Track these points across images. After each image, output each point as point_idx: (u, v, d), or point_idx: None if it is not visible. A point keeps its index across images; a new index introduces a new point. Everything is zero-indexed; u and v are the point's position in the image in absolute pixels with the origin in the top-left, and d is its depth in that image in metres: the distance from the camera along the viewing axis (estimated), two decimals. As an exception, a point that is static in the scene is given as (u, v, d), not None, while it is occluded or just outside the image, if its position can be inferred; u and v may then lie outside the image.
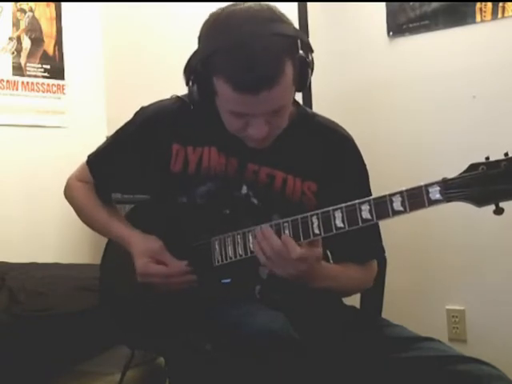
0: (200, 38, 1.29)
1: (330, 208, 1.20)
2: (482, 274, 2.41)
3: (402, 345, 1.29)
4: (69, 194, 1.62)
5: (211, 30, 1.25)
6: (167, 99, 1.50)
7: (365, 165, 1.47)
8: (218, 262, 1.35)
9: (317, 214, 1.21)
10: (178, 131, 1.43)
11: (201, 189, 1.41)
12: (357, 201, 1.18)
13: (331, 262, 1.44)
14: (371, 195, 1.41)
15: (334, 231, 1.20)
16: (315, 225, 1.21)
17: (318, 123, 1.45)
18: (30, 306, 1.93)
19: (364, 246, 1.40)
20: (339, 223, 1.19)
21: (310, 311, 1.38)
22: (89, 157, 1.59)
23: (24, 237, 2.85)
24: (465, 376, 1.17)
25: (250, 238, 1.29)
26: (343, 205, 1.19)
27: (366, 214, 1.16)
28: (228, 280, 1.35)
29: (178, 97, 1.47)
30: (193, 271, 1.37)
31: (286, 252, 1.21)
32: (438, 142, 2.46)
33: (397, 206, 1.13)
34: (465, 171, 1.09)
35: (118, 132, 1.55)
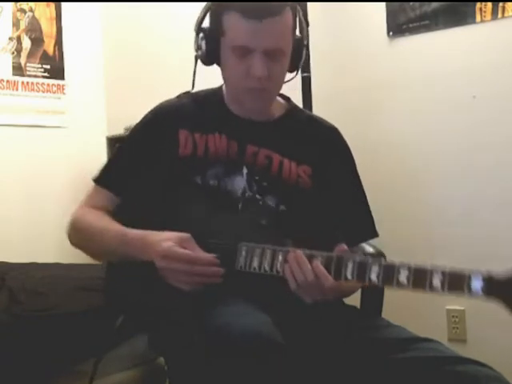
0: None
1: (369, 260, 1.19)
2: (482, 274, 2.40)
3: (401, 345, 1.29)
4: (77, 226, 1.51)
5: None
6: (175, 97, 1.56)
7: (351, 153, 1.56)
8: (241, 267, 1.30)
9: (353, 261, 1.20)
10: (184, 119, 1.49)
11: (211, 171, 1.44)
12: (398, 262, 1.16)
13: None
14: (359, 178, 1.53)
15: (366, 281, 1.18)
16: (349, 270, 1.20)
17: (308, 116, 1.61)
18: (30, 306, 1.92)
19: (358, 228, 1.46)
20: (374, 278, 1.17)
21: (309, 311, 1.38)
22: (97, 179, 1.51)
23: (24, 237, 2.84)
24: (462, 377, 1.18)
25: (280, 257, 1.26)
26: (383, 261, 1.18)
27: (402, 279, 1.15)
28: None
29: (181, 93, 1.55)
30: (220, 265, 1.30)
31: (319, 283, 1.20)
32: (438, 142, 2.46)
33: (436, 283, 1.12)
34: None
35: (124, 143, 1.56)
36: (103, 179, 1.51)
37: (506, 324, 2.37)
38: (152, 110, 1.55)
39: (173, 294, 1.36)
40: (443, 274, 1.11)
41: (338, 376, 1.29)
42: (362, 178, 1.54)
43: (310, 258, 1.22)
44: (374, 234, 1.53)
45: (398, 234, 2.32)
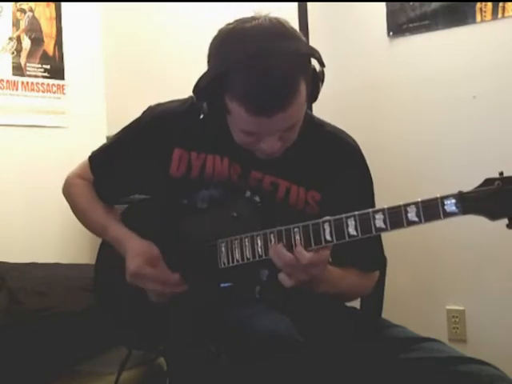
0: (210, 57, 1.27)
1: (343, 215, 1.18)
2: (482, 274, 2.41)
3: (403, 346, 1.29)
4: (67, 191, 1.60)
5: (222, 49, 1.23)
6: (176, 101, 1.48)
7: (370, 176, 1.47)
8: (224, 264, 1.33)
9: (329, 221, 1.20)
10: (182, 136, 1.41)
11: (202, 192, 1.40)
12: (370, 209, 1.17)
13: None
14: (373, 202, 1.41)
15: (347, 238, 1.18)
16: (327, 231, 1.20)
17: (325, 132, 1.45)
18: (30, 306, 1.93)
19: (366, 254, 1.39)
20: (352, 231, 1.17)
21: (309, 312, 1.38)
22: (92, 153, 1.58)
23: (24, 237, 2.84)
24: (466, 377, 1.17)
25: (259, 241, 1.27)
26: (356, 213, 1.17)
27: (379, 223, 1.15)
28: (227, 284, 1.35)
29: (191, 97, 1.42)
30: (185, 282, 1.35)
31: (296, 261, 1.20)
32: (438, 142, 2.46)
33: (411, 216, 1.13)
34: (480, 185, 1.10)
35: (123, 130, 1.54)
36: (93, 159, 1.56)
37: (506, 324, 2.38)
38: (151, 115, 1.47)
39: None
40: (416, 206, 1.12)
41: (342, 377, 1.29)
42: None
43: (288, 234, 1.23)
44: (381, 265, 1.51)
45: (398, 234, 2.31)
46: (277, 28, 1.21)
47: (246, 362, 1.14)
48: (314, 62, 1.28)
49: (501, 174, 1.09)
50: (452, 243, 2.45)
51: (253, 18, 1.23)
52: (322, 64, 1.27)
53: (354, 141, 1.46)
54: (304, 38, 1.27)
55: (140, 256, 1.38)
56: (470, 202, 1.09)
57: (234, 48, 1.20)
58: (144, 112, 1.51)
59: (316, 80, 1.27)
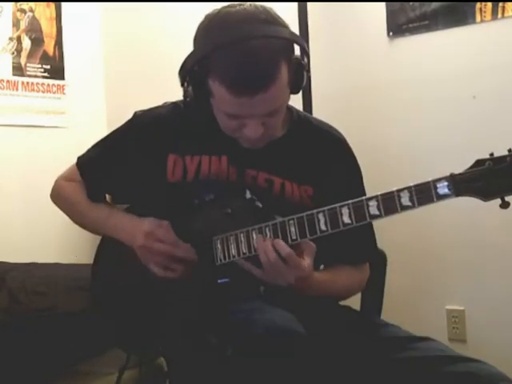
0: (195, 40, 1.29)
1: (337, 205, 1.20)
2: (482, 274, 2.41)
3: (400, 344, 1.29)
4: (57, 194, 1.60)
5: (206, 32, 1.26)
6: (161, 106, 1.49)
7: (358, 166, 1.48)
8: (221, 260, 1.34)
9: (323, 211, 1.21)
10: (175, 141, 1.42)
11: (205, 196, 1.40)
12: (364, 197, 1.18)
13: (321, 267, 1.45)
14: (365, 195, 1.43)
15: (342, 227, 1.20)
16: (322, 221, 1.21)
17: (312, 126, 1.47)
18: (30, 306, 1.93)
19: (358, 248, 1.41)
20: (346, 219, 1.19)
21: (312, 311, 1.38)
22: (79, 159, 1.57)
23: (24, 237, 2.84)
24: (466, 376, 1.17)
25: (254, 235, 1.28)
26: (350, 201, 1.19)
27: (373, 210, 1.17)
28: (225, 279, 1.34)
29: (172, 103, 1.47)
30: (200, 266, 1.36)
31: (277, 255, 1.21)
32: (438, 143, 2.46)
33: (405, 201, 1.14)
34: (472, 166, 1.11)
35: (110, 136, 1.54)
36: (83, 166, 1.56)
37: (506, 324, 2.38)
38: (141, 122, 1.47)
39: (162, 298, 1.38)
40: (409, 190, 1.14)
41: (338, 376, 1.29)
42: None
43: (283, 226, 1.24)
44: (374, 256, 1.51)
45: (398, 234, 2.32)
46: (260, 13, 1.24)
47: (249, 354, 1.13)
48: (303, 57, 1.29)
49: (491, 154, 1.10)
50: (452, 243, 2.45)
51: (239, 4, 1.26)
52: (305, 52, 1.29)
53: (340, 134, 1.48)
54: (287, 25, 1.28)
55: (152, 223, 1.39)
56: (462, 184, 1.10)
57: (218, 31, 1.23)
58: (131, 119, 1.50)
59: (300, 69, 1.28)
